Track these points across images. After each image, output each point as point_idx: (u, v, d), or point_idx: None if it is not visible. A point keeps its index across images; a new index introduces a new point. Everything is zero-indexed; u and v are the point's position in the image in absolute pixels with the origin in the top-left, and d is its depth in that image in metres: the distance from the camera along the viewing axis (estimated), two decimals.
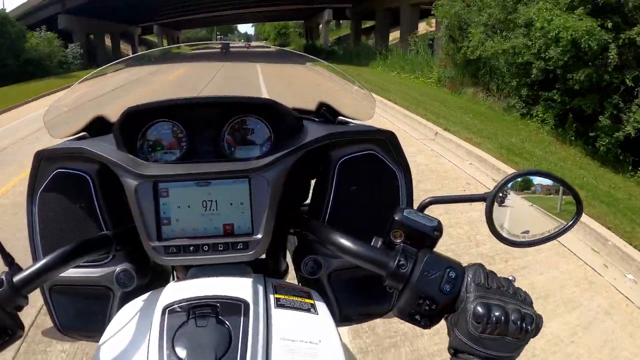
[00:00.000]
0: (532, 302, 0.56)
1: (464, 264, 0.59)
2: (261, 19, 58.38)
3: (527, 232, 0.65)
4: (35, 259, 0.77)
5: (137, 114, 0.75)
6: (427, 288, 0.57)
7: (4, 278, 0.58)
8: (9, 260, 0.62)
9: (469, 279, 0.56)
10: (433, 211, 0.62)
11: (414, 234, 0.60)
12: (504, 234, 0.63)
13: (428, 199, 0.64)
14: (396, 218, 0.61)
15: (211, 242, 0.69)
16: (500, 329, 0.52)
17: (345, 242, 0.64)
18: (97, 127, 0.82)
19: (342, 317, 0.81)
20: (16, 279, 0.59)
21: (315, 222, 0.75)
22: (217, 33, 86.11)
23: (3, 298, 0.57)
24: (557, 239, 0.66)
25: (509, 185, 0.64)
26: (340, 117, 0.85)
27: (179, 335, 0.56)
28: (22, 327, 0.59)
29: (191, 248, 0.69)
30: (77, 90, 0.92)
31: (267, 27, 72.73)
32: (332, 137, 0.76)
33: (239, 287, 0.64)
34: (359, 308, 0.83)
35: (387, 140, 0.80)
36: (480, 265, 0.58)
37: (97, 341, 0.66)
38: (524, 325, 0.52)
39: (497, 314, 0.52)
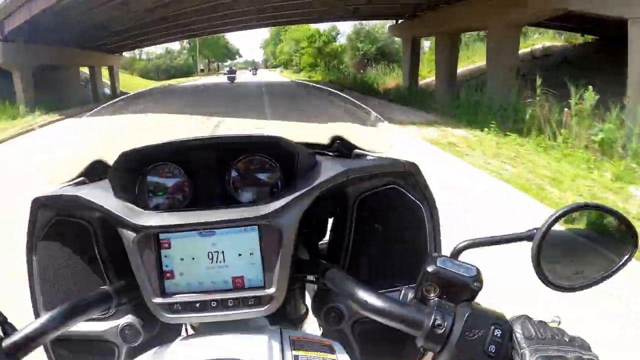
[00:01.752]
0: (589, 347, 0.48)
1: (508, 317, 0.51)
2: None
3: (580, 271, 0.58)
4: (35, 312, 0.73)
5: (135, 157, 0.69)
6: (469, 351, 0.49)
7: None
8: (1, 319, 0.55)
9: (518, 335, 0.48)
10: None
11: (451, 287, 0.53)
12: (555, 278, 0.56)
13: (463, 243, 0.57)
14: (429, 270, 0.54)
15: (219, 298, 0.63)
16: None
17: (370, 298, 0.57)
18: (96, 171, 0.79)
19: None
20: (6, 343, 0.53)
21: (335, 271, 0.67)
22: (209, 59, 69.66)
23: None
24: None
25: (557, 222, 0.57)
26: (356, 150, 0.79)
27: None
28: None
29: (197, 305, 0.62)
30: (75, 131, 0.88)
31: (284, 47, 61.69)
32: (349, 173, 0.70)
33: (253, 346, 0.57)
34: None
35: (410, 172, 0.73)
36: (527, 317, 0.51)
37: None
38: None
39: None
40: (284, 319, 0.71)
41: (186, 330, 0.80)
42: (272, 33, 70.14)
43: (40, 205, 0.72)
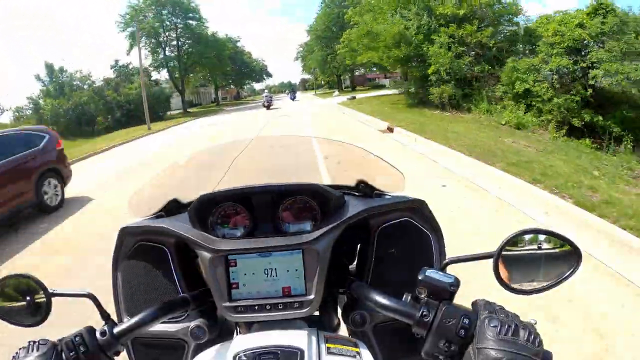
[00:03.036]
0: (539, 342, 0.64)
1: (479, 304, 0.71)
2: None
3: (532, 281, 0.75)
4: (119, 317, 0.95)
5: (209, 198, 0.93)
6: (446, 333, 0.69)
7: (106, 329, 0.78)
8: (106, 315, 0.81)
9: (479, 326, 0.67)
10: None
11: (435, 289, 0.73)
12: (511, 284, 0.74)
13: (447, 260, 0.78)
14: (419, 277, 0.74)
15: (272, 302, 0.84)
16: None
17: (380, 298, 0.79)
18: (172, 207, 1.01)
19: None
20: (117, 330, 0.78)
21: (359, 283, 0.88)
22: (217, 85, 51.86)
23: (106, 345, 0.76)
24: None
25: (512, 242, 0.75)
26: (377, 191, 0.99)
27: None
28: None
29: (256, 307, 0.84)
30: (155, 178, 1.14)
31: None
32: (371, 210, 0.91)
33: (296, 338, 0.77)
34: (398, 355, 0.94)
35: (420, 208, 0.94)
36: (488, 301, 0.70)
37: None
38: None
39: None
40: (320, 327, 0.89)
41: (237, 332, 0.99)
42: (313, 32, 48.96)
43: (126, 232, 0.95)
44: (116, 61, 39.22)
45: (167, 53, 41.18)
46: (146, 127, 23.46)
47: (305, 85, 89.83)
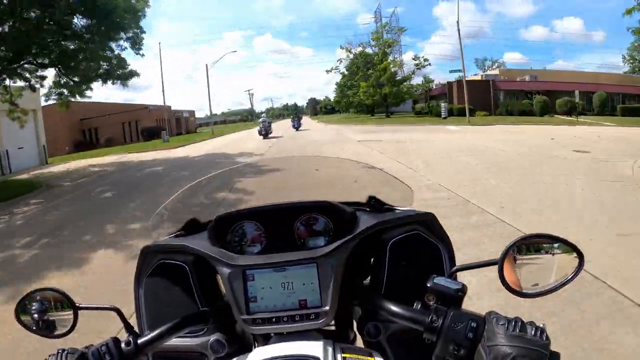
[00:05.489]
0: (547, 338, 0.67)
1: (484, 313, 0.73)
2: None
3: (536, 284, 0.79)
4: (140, 330, 0.98)
5: (227, 217, 0.98)
6: (455, 337, 0.73)
7: (131, 340, 0.82)
8: (129, 327, 0.85)
9: (488, 326, 0.71)
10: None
11: (443, 296, 0.77)
12: (516, 288, 0.78)
13: (455, 268, 0.83)
14: (428, 285, 0.79)
15: (289, 314, 0.87)
16: None
17: (392, 307, 0.82)
18: (191, 227, 1.06)
19: None
20: (140, 341, 0.82)
21: (372, 294, 0.92)
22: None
23: (129, 355, 0.80)
24: None
25: (516, 248, 0.79)
26: (387, 206, 1.03)
27: None
28: None
29: (274, 319, 0.87)
30: (174, 199, 1.18)
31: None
32: (382, 224, 0.95)
33: (313, 348, 0.80)
34: None
35: (428, 221, 0.98)
36: (495, 312, 0.73)
37: None
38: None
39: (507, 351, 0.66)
40: (336, 339, 0.90)
41: (255, 345, 1.01)
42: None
43: (148, 251, 1.00)
44: None
45: None
46: None
47: (315, 109, 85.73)
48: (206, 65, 38.34)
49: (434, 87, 49.20)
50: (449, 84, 42.82)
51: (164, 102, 39.03)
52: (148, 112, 41.86)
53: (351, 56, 50.33)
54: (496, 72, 46.36)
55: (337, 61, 50.84)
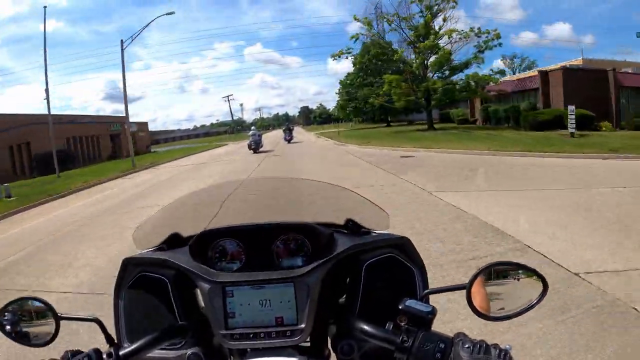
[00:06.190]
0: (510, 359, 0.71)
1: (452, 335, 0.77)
2: None
3: (502, 309, 0.83)
4: (119, 340, 0.99)
5: (209, 234, 1.00)
6: (424, 357, 0.76)
7: (112, 352, 0.83)
8: (110, 338, 0.86)
9: (454, 349, 0.75)
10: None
11: (414, 318, 0.81)
12: (484, 312, 0.82)
13: (426, 292, 0.87)
14: (400, 307, 0.82)
15: (266, 331, 0.90)
16: None
17: (365, 327, 0.86)
18: (173, 241, 1.08)
19: None
20: (122, 352, 0.84)
21: (347, 313, 0.95)
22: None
23: None
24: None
25: (485, 274, 0.83)
26: (364, 229, 1.07)
27: None
28: None
29: (251, 335, 0.90)
30: (158, 213, 1.21)
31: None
32: (358, 247, 0.98)
33: None
34: None
35: (403, 245, 1.01)
36: (464, 334, 0.77)
37: None
38: None
39: None
40: (312, 357, 0.93)
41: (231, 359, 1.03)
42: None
43: (129, 263, 1.01)
44: None
45: None
46: None
47: (309, 118, 76.43)
48: (121, 41, 24.69)
49: (500, 81, 30.82)
50: (543, 73, 27.23)
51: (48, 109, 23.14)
52: (45, 128, 24.36)
53: (374, 30, 33.53)
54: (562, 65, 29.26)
55: (351, 39, 33.44)
